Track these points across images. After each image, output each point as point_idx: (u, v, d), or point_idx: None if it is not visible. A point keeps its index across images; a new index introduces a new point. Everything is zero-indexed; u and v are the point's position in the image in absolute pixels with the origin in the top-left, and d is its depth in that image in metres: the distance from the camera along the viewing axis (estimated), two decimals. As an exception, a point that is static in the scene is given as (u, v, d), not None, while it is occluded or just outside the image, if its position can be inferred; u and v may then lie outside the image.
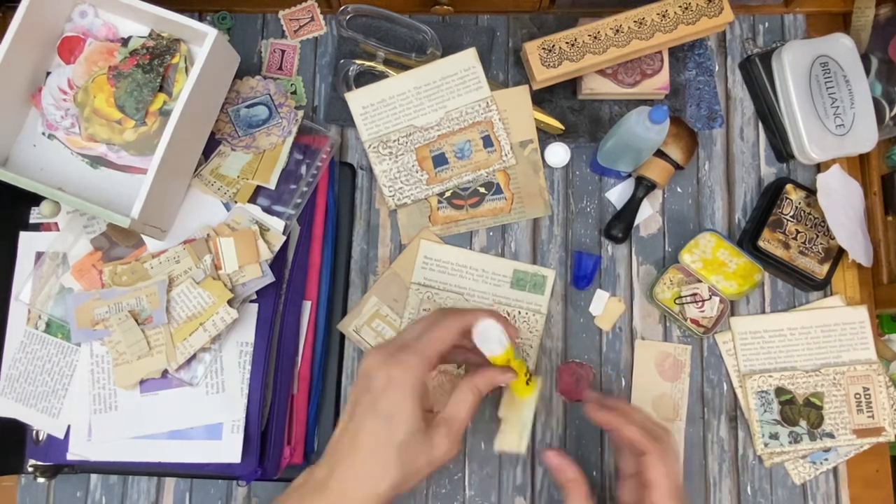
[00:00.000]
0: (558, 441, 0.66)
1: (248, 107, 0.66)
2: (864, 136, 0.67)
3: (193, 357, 0.61)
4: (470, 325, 0.50)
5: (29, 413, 0.63)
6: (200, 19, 0.71)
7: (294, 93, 0.70)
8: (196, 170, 0.64)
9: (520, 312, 0.66)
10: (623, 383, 0.67)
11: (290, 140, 0.65)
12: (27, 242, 0.65)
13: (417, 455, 0.46)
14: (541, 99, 0.70)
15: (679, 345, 0.67)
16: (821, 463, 0.66)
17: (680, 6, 0.65)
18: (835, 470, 0.66)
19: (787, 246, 0.67)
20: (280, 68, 0.70)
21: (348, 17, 0.69)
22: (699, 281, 0.65)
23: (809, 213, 0.68)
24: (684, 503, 0.51)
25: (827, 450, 0.65)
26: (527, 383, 0.54)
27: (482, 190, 0.69)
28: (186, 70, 0.60)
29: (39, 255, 0.64)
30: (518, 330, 0.63)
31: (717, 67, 0.72)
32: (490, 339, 0.50)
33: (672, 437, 0.54)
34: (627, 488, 0.55)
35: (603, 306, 0.68)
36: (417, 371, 0.47)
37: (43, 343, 0.63)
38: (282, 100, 0.66)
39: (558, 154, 0.68)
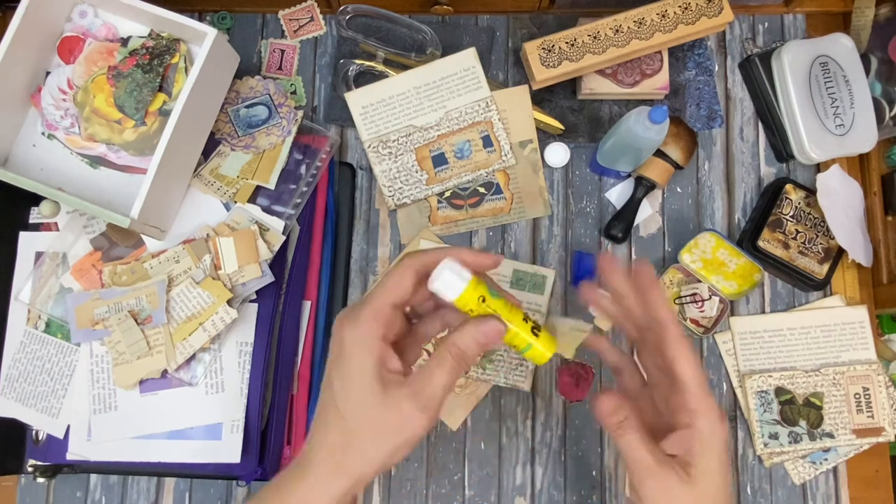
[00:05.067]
0: (558, 441, 0.66)
1: (247, 107, 0.66)
2: (864, 136, 0.67)
3: (193, 357, 0.61)
4: (430, 268, 0.40)
5: (29, 413, 0.63)
6: (200, 19, 0.71)
7: (294, 93, 0.70)
8: (196, 170, 0.64)
9: (519, 312, 0.66)
10: (623, 383, 0.67)
11: (289, 140, 0.65)
12: (27, 242, 0.65)
13: (378, 425, 0.39)
14: (540, 99, 0.70)
15: (679, 345, 0.67)
16: (820, 463, 0.65)
17: (679, 6, 0.64)
18: (834, 470, 0.66)
19: (786, 246, 0.67)
20: (280, 68, 0.70)
21: (348, 17, 0.69)
22: (699, 281, 0.65)
23: (809, 213, 0.68)
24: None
25: (827, 450, 0.65)
26: (533, 333, 0.41)
27: (482, 190, 0.69)
28: (186, 70, 0.60)
29: (39, 255, 0.64)
30: (499, 261, 0.44)
31: (716, 67, 0.72)
32: (441, 278, 0.39)
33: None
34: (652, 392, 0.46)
35: (603, 306, 0.67)
36: (367, 327, 0.40)
37: (43, 343, 0.63)
38: (281, 100, 0.66)
39: (558, 154, 0.68)
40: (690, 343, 0.43)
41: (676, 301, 0.65)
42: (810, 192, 0.68)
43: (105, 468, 0.64)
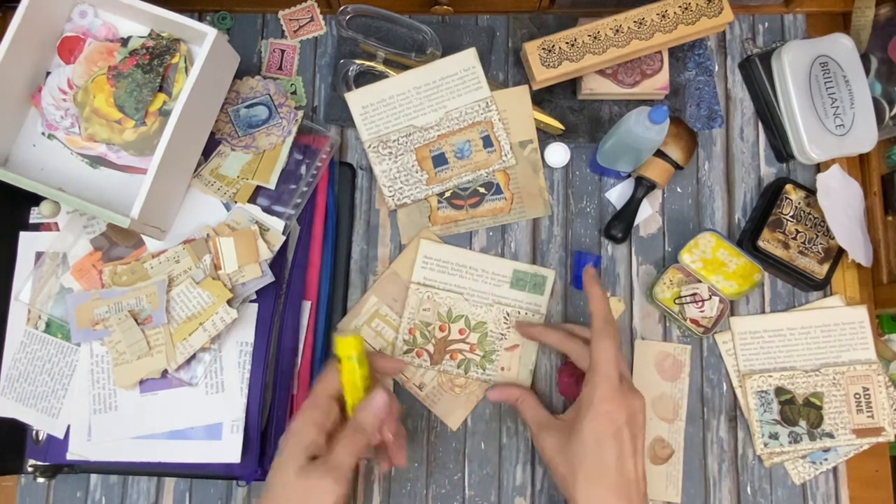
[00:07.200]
0: (558, 441, 0.66)
1: (247, 107, 0.66)
2: (864, 136, 0.67)
3: (193, 357, 0.61)
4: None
5: (29, 413, 0.63)
6: (200, 19, 0.71)
7: (294, 93, 0.70)
8: (196, 170, 0.64)
9: (519, 312, 0.66)
10: (623, 383, 0.67)
11: (289, 140, 0.65)
12: (27, 242, 0.65)
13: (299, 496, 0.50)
14: (540, 99, 0.70)
15: (679, 345, 0.67)
16: (820, 463, 0.66)
17: (680, 6, 0.65)
18: (834, 470, 0.66)
19: (786, 246, 0.67)
20: (280, 68, 0.70)
21: (348, 17, 0.69)
22: (699, 281, 0.65)
23: (809, 213, 0.68)
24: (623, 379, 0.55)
25: (827, 450, 0.65)
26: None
27: (482, 190, 0.69)
28: (186, 70, 0.60)
29: (39, 255, 0.64)
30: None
31: (716, 67, 0.72)
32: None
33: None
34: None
35: (603, 306, 0.67)
36: (305, 415, 0.53)
37: (43, 343, 0.63)
38: (282, 100, 0.66)
39: (558, 154, 0.68)
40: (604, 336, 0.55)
41: (676, 301, 0.65)
42: (810, 192, 0.68)
43: (105, 468, 0.64)
